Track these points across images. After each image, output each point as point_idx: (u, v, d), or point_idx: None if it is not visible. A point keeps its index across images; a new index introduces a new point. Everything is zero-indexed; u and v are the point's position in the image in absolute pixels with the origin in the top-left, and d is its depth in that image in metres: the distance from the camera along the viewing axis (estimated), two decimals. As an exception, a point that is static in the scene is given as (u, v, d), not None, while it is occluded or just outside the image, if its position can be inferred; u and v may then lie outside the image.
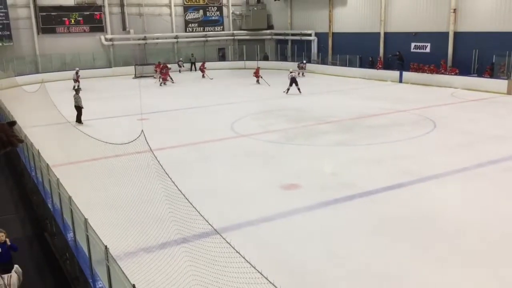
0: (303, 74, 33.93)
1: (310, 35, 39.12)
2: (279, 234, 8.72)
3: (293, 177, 11.88)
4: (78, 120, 19.49)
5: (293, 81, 25.66)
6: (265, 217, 9.43)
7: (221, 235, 5.18)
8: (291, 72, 26.30)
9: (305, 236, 8.62)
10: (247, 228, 9.00)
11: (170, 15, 41.21)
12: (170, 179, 6.62)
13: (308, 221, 9.31)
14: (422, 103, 22.01)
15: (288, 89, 25.72)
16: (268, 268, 4.44)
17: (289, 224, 9.22)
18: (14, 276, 6.49)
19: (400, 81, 29.69)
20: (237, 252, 4.65)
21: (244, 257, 4.49)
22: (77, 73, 29.61)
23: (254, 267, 4.26)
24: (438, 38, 28.86)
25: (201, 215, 5.70)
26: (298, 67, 34.27)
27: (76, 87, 25.34)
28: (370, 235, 8.58)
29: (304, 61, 35.66)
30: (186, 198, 6.23)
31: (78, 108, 19.64)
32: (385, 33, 32.62)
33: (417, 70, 29.03)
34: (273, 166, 12.98)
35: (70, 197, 7.54)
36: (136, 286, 4.76)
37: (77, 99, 19.79)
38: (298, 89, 25.55)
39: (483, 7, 26.42)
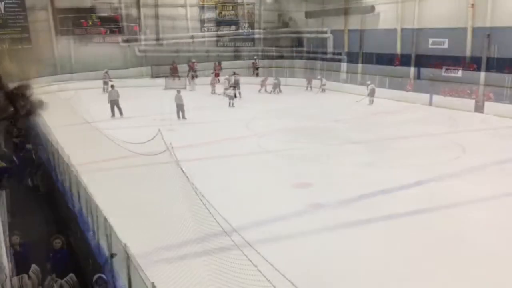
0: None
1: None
2: (306, 251, 9.07)
3: (317, 195, 12.27)
4: (113, 113, 19.91)
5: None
6: (290, 233, 9.88)
7: (240, 249, 5.47)
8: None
9: (331, 255, 8.90)
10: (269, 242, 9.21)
11: (186, 15, 41.30)
12: (195, 192, 6.83)
13: (333, 242, 9.60)
14: (452, 127, 21.28)
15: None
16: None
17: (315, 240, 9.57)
18: (25, 276, 6.61)
19: (430, 103, 27.57)
20: (257, 269, 4.93)
21: (261, 273, 4.80)
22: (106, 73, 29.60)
23: (269, 281, 4.60)
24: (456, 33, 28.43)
25: (222, 228, 6.00)
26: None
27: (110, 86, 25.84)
28: (395, 258, 8.79)
29: None
30: (211, 214, 6.50)
31: (113, 102, 20.03)
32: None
33: (449, 94, 27.32)
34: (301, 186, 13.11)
35: (91, 198, 7.70)
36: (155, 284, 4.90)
37: (110, 93, 20.47)
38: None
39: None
